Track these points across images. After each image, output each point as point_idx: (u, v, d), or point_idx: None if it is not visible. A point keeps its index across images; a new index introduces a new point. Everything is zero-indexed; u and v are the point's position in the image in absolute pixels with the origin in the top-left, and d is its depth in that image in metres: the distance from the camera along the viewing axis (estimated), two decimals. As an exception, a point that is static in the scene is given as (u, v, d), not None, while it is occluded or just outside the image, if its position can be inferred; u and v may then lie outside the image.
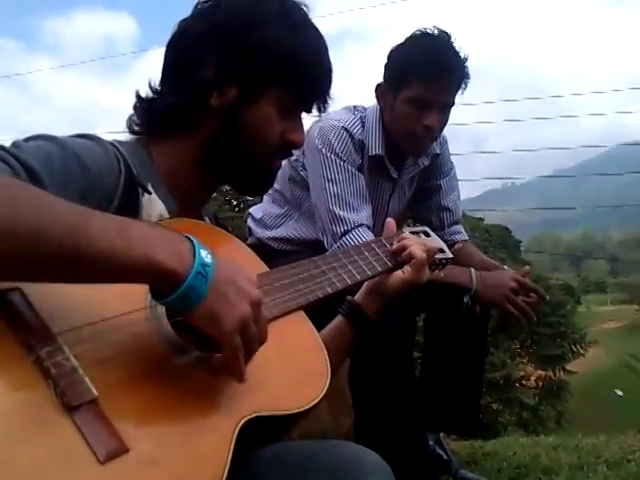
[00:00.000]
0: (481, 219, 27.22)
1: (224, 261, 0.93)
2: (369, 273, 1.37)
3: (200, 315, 0.89)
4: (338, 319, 1.40)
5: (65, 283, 0.86)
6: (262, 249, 2.31)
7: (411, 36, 2.18)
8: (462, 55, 2.13)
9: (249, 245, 2.40)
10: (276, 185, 2.38)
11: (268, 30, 1.19)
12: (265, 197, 2.49)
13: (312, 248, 2.10)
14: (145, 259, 0.84)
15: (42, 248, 0.79)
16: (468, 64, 2.14)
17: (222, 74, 1.20)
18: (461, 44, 2.12)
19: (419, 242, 1.45)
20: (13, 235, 0.77)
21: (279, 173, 2.37)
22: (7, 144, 1.01)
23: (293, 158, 2.29)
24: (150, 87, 1.27)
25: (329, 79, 1.28)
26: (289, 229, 2.34)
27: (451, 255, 1.60)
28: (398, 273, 1.40)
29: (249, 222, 2.50)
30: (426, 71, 2.08)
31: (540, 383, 19.31)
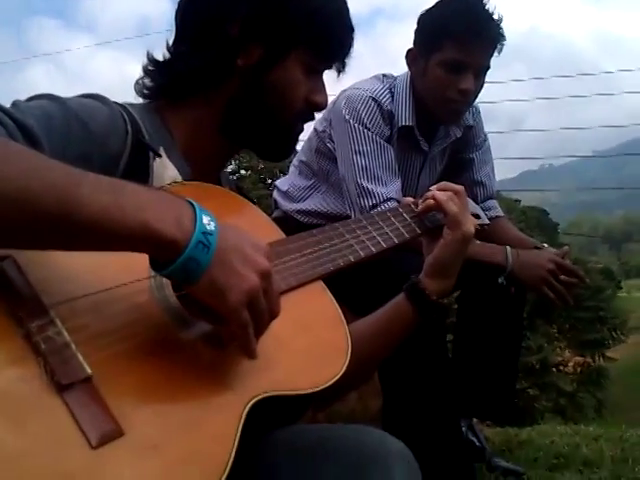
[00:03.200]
0: (517, 200, 26.88)
1: (230, 228, 0.85)
2: (395, 240, 1.27)
3: (203, 287, 0.81)
4: (398, 300, 1.26)
5: (55, 251, 0.80)
6: (288, 222, 2.27)
7: None
8: (496, 16, 2.05)
9: (274, 218, 2.35)
10: (303, 157, 2.34)
11: None
12: (291, 169, 2.44)
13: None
14: (140, 226, 0.77)
15: (29, 212, 0.73)
16: (503, 25, 2.05)
17: (247, 33, 1.15)
18: (495, 5, 2.05)
19: (446, 194, 1.28)
20: None
21: (305, 144, 2.34)
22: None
23: (320, 129, 2.24)
24: (168, 49, 1.21)
25: (352, 37, 1.24)
26: (316, 202, 2.28)
27: (487, 221, 1.50)
28: (439, 241, 1.25)
29: (275, 194, 2.45)
30: (459, 32, 2.00)
31: (578, 369, 19.06)
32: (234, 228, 0.87)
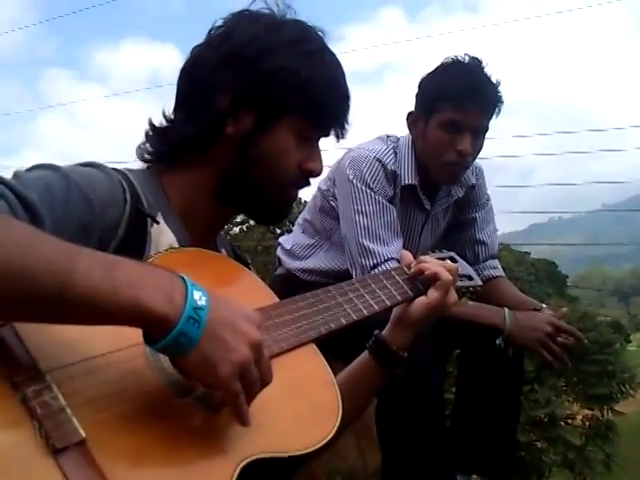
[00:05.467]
0: (527, 253, 26.76)
1: (221, 301, 0.88)
2: (388, 303, 1.29)
3: (194, 361, 0.83)
4: (364, 354, 1.33)
5: (49, 324, 0.83)
6: (291, 280, 2.29)
7: (442, 63, 2.16)
8: (494, 79, 2.10)
9: (278, 276, 2.39)
10: (307, 215, 2.37)
11: (282, 58, 1.17)
12: (295, 227, 2.47)
13: (342, 280, 2.05)
14: (132, 304, 0.80)
15: (25, 289, 0.76)
16: (501, 88, 2.11)
17: (237, 102, 1.17)
18: (493, 69, 2.11)
19: (440, 263, 1.35)
20: None
21: (310, 203, 2.39)
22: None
23: (324, 188, 2.27)
24: (164, 116, 1.24)
25: (347, 105, 1.25)
26: (319, 260, 2.31)
27: (480, 282, 1.54)
28: (422, 298, 1.31)
29: (279, 252, 2.47)
30: (457, 94, 2.05)
31: (587, 423, 18.70)
32: (225, 301, 0.89)
